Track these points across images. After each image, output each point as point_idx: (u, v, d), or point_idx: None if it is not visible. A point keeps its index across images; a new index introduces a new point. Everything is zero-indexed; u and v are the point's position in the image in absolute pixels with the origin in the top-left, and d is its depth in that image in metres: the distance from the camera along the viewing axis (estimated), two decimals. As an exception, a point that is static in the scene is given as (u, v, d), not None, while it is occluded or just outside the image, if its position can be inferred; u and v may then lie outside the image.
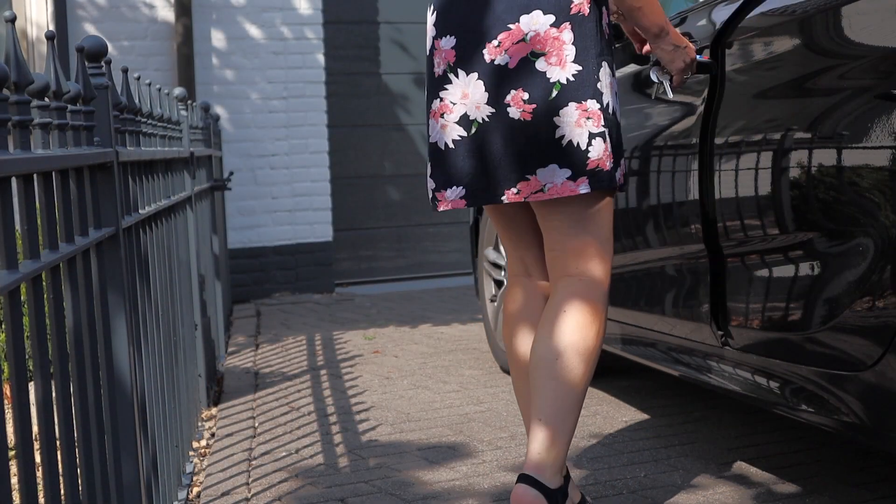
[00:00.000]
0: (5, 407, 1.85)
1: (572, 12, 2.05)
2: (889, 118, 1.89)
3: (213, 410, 3.50)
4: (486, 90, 2.07)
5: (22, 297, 1.29)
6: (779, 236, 2.23)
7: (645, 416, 3.24)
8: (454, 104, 2.12)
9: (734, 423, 3.11)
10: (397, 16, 6.47)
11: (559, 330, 2.10)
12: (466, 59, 2.09)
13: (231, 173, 5.11)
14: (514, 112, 2.05)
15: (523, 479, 2.08)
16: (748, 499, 2.48)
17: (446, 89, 2.13)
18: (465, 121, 2.11)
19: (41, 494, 1.62)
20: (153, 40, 5.83)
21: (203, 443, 3.13)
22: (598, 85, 2.07)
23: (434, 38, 2.15)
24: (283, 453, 2.97)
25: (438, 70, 2.14)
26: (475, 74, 2.08)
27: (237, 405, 3.56)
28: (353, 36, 6.45)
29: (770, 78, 2.31)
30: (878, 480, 2.57)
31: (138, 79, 2.45)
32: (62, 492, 1.42)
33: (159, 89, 2.77)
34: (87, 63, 1.83)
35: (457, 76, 2.10)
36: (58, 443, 1.41)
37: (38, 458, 2.14)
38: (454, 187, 2.15)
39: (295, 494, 2.61)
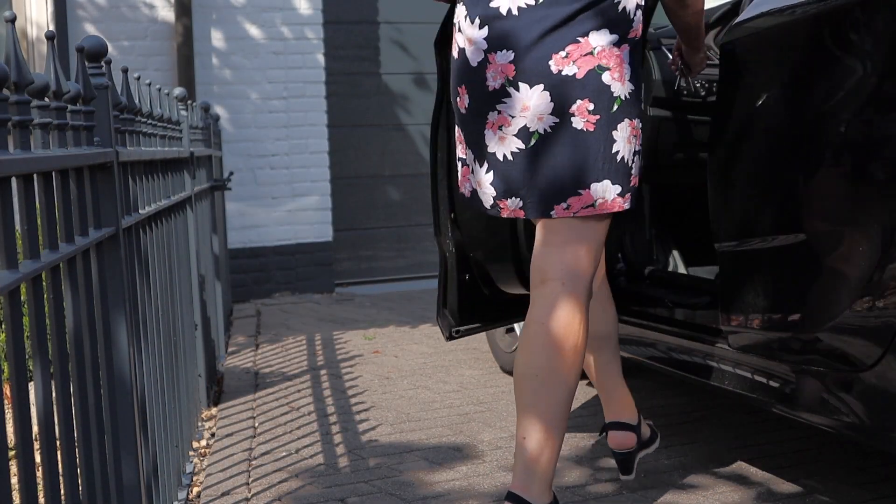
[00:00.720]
0: (5, 407, 1.85)
1: (630, 35, 2.13)
2: (889, 117, 1.89)
3: (213, 410, 3.50)
4: (551, 100, 2.08)
5: (22, 297, 1.29)
6: (778, 236, 2.23)
7: (645, 416, 3.24)
8: (513, 117, 2.12)
9: (734, 423, 3.11)
10: (397, 16, 6.47)
11: (538, 347, 2.11)
12: (528, 71, 2.09)
13: (231, 173, 5.10)
14: (577, 122, 2.08)
15: (510, 497, 2.09)
16: (748, 499, 2.48)
17: (504, 102, 2.13)
18: (524, 133, 2.12)
19: (41, 494, 1.61)
20: (153, 40, 5.83)
21: (203, 443, 3.13)
22: (641, 105, 2.17)
23: (487, 52, 2.13)
24: (283, 453, 2.98)
25: (495, 84, 2.13)
26: (540, 86, 2.08)
27: (237, 405, 3.56)
28: (353, 36, 6.44)
29: (766, 76, 2.31)
30: (878, 480, 2.57)
31: (138, 79, 2.44)
32: (62, 492, 1.42)
33: (159, 89, 2.77)
34: (87, 63, 1.83)
35: (517, 90, 2.10)
36: (58, 443, 1.41)
37: (38, 458, 2.14)
38: (513, 198, 2.17)
39: (295, 494, 2.61)
